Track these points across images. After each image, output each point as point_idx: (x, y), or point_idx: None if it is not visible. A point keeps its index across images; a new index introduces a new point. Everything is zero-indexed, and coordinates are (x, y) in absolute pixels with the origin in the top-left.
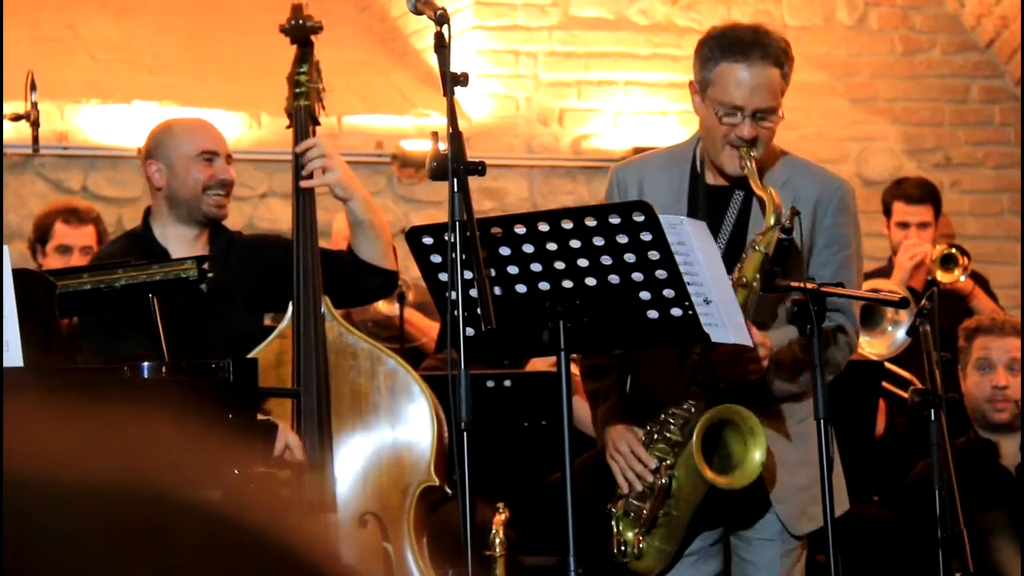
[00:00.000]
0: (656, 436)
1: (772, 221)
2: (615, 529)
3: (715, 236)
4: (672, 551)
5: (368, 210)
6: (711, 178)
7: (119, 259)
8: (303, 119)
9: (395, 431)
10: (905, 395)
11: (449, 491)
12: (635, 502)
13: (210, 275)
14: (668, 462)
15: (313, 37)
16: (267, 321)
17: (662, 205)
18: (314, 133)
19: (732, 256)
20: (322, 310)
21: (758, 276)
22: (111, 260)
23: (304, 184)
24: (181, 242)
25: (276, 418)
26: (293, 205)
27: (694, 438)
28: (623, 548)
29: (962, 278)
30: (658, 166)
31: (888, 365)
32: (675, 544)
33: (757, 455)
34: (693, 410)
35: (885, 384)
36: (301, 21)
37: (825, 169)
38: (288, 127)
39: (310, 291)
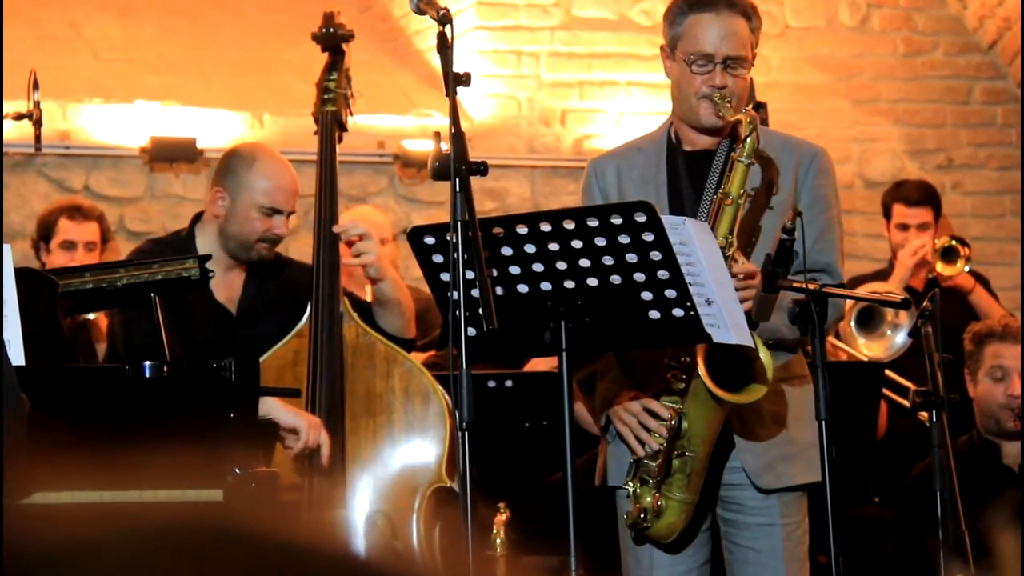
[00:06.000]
0: (662, 391)
1: (748, 130)
2: (634, 502)
3: (697, 198)
4: (693, 501)
5: (397, 289)
6: (688, 146)
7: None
8: (329, 124)
9: (408, 432)
10: (905, 402)
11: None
12: (649, 463)
13: (211, 275)
14: (677, 406)
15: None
16: None
17: (641, 179)
18: (340, 139)
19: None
20: (340, 310)
21: (743, 190)
22: (145, 259)
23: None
24: (219, 261)
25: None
26: (315, 207)
27: (699, 362)
28: (643, 515)
29: (965, 269)
30: (633, 149)
31: (888, 373)
32: (695, 493)
33: (759, 365)
34: (690, 357)
35: (885, 391)
36: (332, 29)
37: (802, 138)
38: (315, 133)
39: (328, 291)
